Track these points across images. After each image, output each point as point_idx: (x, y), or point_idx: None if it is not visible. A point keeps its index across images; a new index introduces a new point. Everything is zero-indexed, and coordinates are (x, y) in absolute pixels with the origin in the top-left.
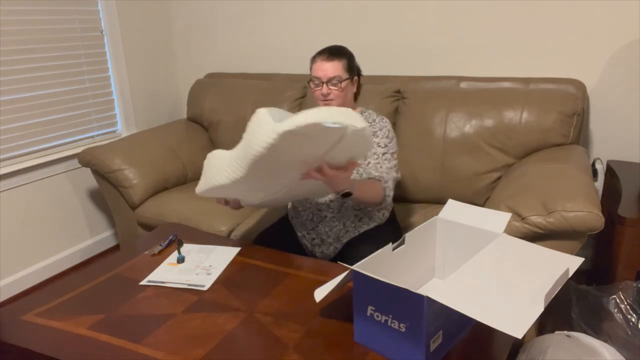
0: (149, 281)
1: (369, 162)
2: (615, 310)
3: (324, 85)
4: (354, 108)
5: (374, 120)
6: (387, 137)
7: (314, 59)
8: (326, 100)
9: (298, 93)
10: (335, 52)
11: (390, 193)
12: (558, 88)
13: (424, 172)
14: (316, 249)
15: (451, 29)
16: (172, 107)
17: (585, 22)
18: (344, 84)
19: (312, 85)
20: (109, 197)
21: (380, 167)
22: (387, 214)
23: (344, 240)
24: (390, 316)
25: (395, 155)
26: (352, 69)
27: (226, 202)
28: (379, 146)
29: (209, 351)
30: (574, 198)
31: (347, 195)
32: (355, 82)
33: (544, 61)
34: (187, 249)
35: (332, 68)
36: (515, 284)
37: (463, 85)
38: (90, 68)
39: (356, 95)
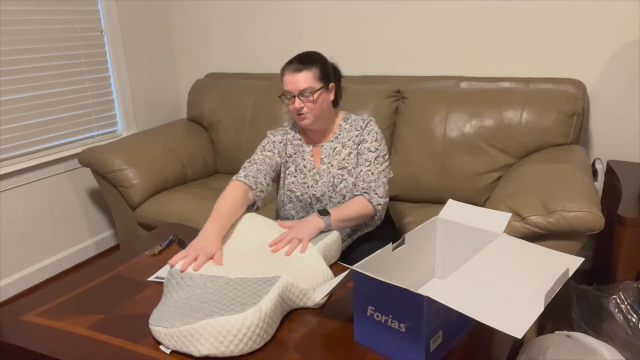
0: (156, 277)
1: (361, 170)
2: (616, 310)
3: (296, 99)
4: (334, 116)
5: (361, 127)
6: (376, 140)
7: (282, 71)
8: (300, 115)
9: None
10: (304, 61)
11: (381, 200)
12: (558, 88)
13: (424, 172)
14: None
15: (451, 29)
16: (172, 107)
17: (585, 22)
18: (316, 95)
19: (284, 99)
20: (109, 197)
21: (372, 172)
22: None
23: None
24: (390, 316)
25: (386, 157)
26: (326, 76)
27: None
28: (370, 151)
29: None
30: (574, 198)
31: (325, 213)
32: (332, 89)
33: (544, 61)
34: None
35: (302, 79)
36: (515, 284)
37: (463, 85)
38: (90, 68)
39: (338, 100)
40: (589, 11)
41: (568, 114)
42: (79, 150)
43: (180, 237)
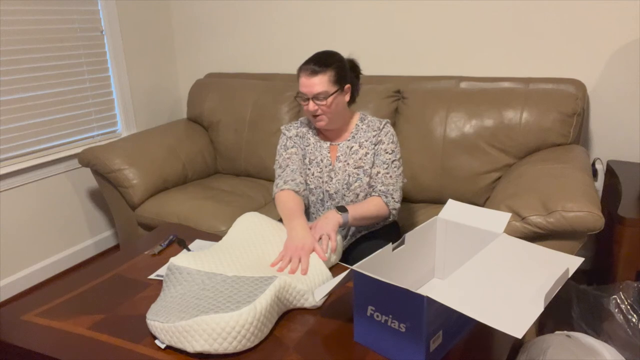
0: (157, 275)
1: (378, 172)
2: (616, 310)
3: (310, 101)
4: (350, 115)
5: (378, 128)
6: (392, 142)
7: (299, 72)
8: (316, 117)
9: None
10: (321, 64)
11: (397, 205)
12: (558, 88)
13: (424, 172)
14: None
15: (451, 29)
16: (172, 107)
17: (585, 22)
18: (330, 99)
19: (300, 100)
20: (109, 197)
21: (390, 176)
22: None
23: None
24: (390, 316)
25: (401, 161)
26: (342, 78)
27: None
28: (387, 153)
29: None
30: (574, 198)
31: (343, 209)
32: (347, 90)
33: (544, 61)
34: (198, 245)
35: (317, 83)
36: (516, 284)
37: (463, 85)
38: (90, 68)
39: (355, 97)
40: (589, 11)
41: (568, 114)
42: (79, 150)
43: (180, 237)
